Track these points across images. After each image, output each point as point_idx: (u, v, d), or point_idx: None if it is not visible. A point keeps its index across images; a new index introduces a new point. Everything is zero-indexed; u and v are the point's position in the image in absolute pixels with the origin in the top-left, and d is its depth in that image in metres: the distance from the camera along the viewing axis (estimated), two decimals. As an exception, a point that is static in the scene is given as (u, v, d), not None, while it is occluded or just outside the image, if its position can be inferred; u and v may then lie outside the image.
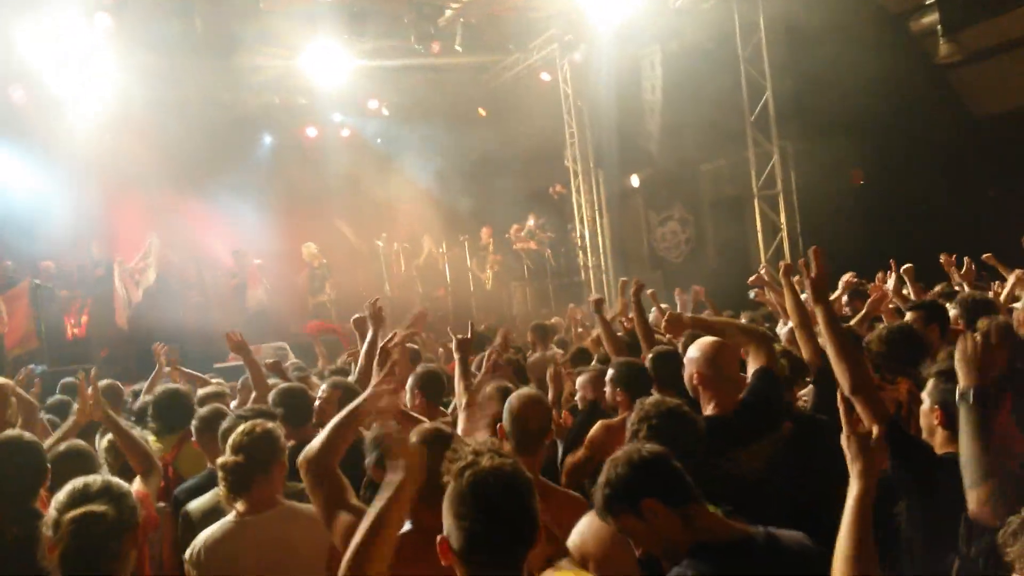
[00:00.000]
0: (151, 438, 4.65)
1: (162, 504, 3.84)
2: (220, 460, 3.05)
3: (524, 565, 1.80)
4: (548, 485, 3.11)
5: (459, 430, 3.03)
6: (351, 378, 4.41)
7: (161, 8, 11.81)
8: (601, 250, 14.82)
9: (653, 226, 14.43)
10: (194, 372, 7.22)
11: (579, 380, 4.55)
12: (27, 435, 3.07)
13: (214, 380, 7.02)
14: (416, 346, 7.04)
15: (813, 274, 3.01)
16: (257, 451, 3.00)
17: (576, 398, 4.54)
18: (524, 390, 3.43)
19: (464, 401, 3.18)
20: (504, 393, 3.25)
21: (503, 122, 16.20)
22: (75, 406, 4.49)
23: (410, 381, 4.51)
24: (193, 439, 4.13)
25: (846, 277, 6.37)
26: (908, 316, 4.49)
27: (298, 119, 16.60)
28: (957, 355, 2.63)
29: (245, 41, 12.71)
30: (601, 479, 2.29)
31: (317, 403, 4.11)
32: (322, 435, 2.48)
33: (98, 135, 13.39)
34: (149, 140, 14.03)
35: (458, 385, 3.24)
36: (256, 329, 12.65)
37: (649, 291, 7.51)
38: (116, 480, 2.34)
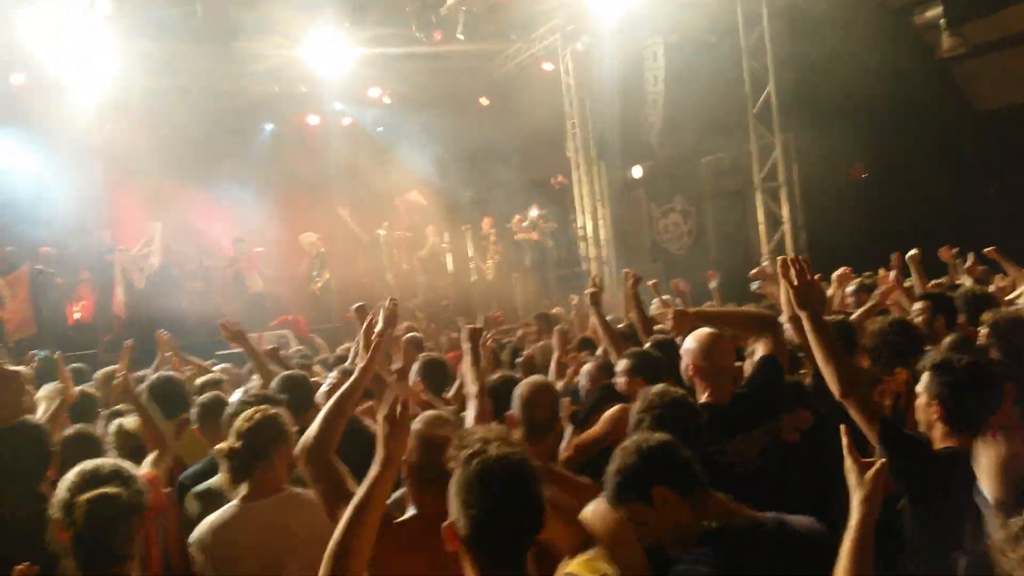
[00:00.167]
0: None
1: (167, 489, 3.85)
2: (220, 446, 3.07)
3: (529, 552, 1.81)
4: (559, 472, 3.13)
5: (470, 419, 3.06)
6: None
7: (162, -5, 11.80)
8: (602, 241, 14.82)
9: (655, 218, 14.43)
10: (195, 359, 7.23)
11: (583, 369, 4.56)
12: (33, 419, 3.08)
13: (221, 366, 7.03)
14: (419, 335, 7.06)
15: (796, 283, 2.90)
16: (256, 437, 3.01)
17: (580, 385, 4.55)
18: (534, 378, 3.45)
19: (475, 390, 3.21)
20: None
21: (505, 112, 16.18)
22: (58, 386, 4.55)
23: (413, 369, 4.53)
24: (194, 426, 4.15)
25: (840, 271, 6.31)
26: (915, 307, 4.50)
27: (299, 107, 16.55)
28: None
29: (246, 28, 12.67)
30: (611, 467, 2.30)
31: (326, 388, 4.12)
32: (315, 425, 2.50)
33: (99, 122, 13.38)
34: (150, 127, 14.02)
35: (469, 374, 3.27)
36: (256, 316, 12.69)
37: (651, 283, 7.53)
38: (124, 463, 2.35)
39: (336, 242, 15.85)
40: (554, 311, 8.92)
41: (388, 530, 2.31)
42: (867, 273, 7.04)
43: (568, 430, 3.74)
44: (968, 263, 6.20)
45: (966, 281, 6.05)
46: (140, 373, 6.65)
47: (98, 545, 2.16)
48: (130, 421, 3.94)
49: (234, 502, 3.04)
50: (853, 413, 2.75)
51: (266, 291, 14.45)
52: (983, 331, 4.08)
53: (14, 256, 11.70)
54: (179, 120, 14.33)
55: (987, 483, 2.35)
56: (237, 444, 3.02)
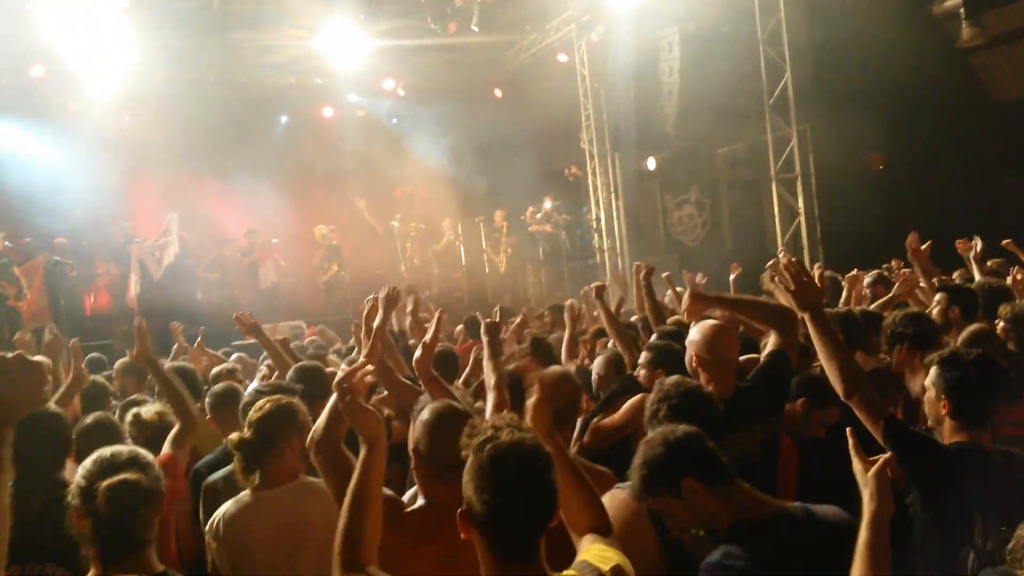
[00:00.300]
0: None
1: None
2: (232, 436, 3.10)
3: (543, 538, 1.82)
4: (576, 460, 3.13)
5: (488, 410, 3.08)
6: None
7: (179, -13, 11.85)
8: (616, 233, 14.78)
9: (669, 209, 14.38)
10: (211, 351, 7.30)
11: (596, 362, 4.57)
12: (52, 406, 3.11)
13: (235, 355, 7.09)
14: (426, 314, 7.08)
15: (793, 287, 2.88)
16: (266, 428, 3.03)
17: (592, 378, 4.56)
18: (553, 368, 3.46)
19: (493, 382, 3.24)
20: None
21: (519, 103, 16.16)
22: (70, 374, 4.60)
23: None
24: (208, 416, 4.18)
25: (851, 274, 6.20)
26: (935, 298, 4.47)
27: (314, 99, 16.61)
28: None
29: (262, 21, 12.71)
30: (637, 460, 2.31)
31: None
32: (323, 416, 2.51)
33: (116, 113, 13.49)
34: (166, 119, 14.12)
35: (487, 367, 3.31)
36: (270, 307, 12.77)
37: (664, 275, 7.52)
38: (141, 450, 2.38)
39: (351, 234, 15.91)
40: (567, 303, 8.91)
41: (398, 521, 2.33)
42: (885, 266, 7.00)
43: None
44: (975, 250, 6.11)
45: (973, 269, 5.98)
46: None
47: (118, 531, 2.17)
48: (147, 410, 3.97)
49: (247, 491, 3.07)
50: (857, 412, 2.74)
51: (280, 283, 14.53)
52: (1000, 324, 4.05)
53: (31, 247, 11.82)
54: (195, 112, 14.41)
55: None
56: (248, 434, 3.05)
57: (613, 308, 6.53)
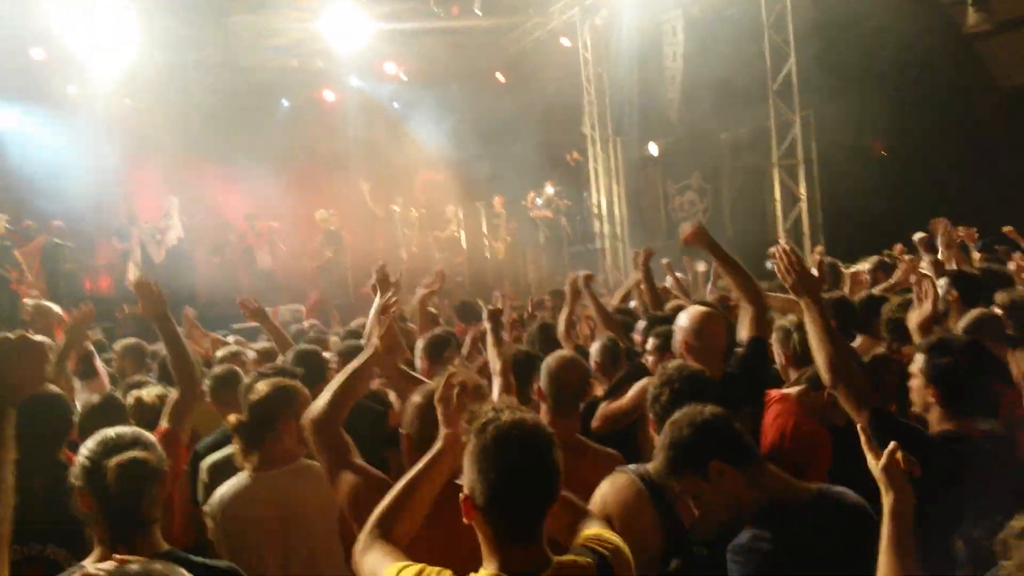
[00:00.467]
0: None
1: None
2: (230, 418, 3.12)
3: (545, 522, 1.82)
4: (584, 443, 3.15)
5: (495, 394, 3.10)
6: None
7: (180, -31, 11.79)
8: (617, 218, 14.76)
9: (671, 195, 14.34)
10: (214, 334, 7.34)
11: (593, 348, 4.57)
12: (52, 387, 3.12)
13: (232, 338, 7.10)
14: (434, 311, 7.08)
15: (790, 278, 2.86)
16: (263, 409, 3.05)
17: (590, 363, 4.56)
18: (561, 352, 3.47)
19: (498, 367, 3.25)
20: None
21: (521, 87, 16.09)
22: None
23: (418, 345, 4.57)
24: (208, 398, 4.18)
25: (852, 271, 6.19)
26: (939, 283, 4.47)
27: (316, 82, 16.55)
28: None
29: (263, 4, 12.65)
30: (664, 440, 2.30)
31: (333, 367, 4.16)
32: (324, 396, 2.52)
33: (117, 96, 13.45)
34: (167, 102, 14.09)
35: (491, 353, 3.32)
36: (266, 292, 12.76)
37: (664, 261, 7.52)
38: (143, 431, 2.39)
39: (353, 218, 15.88)
40: (570, 277, 8.90)
41: None
42: (886, 252, 6.99)
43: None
44: (962, 234, 6.06)
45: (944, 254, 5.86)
46: (156, 347, 6.74)
47: (127, 509, 2.18)
48: (147, 393, 3.97)
49: (245, 472, 3.09)
50: (843, 403, 2.73)
51: (277, 267, 14.53)
52: (998, 311, 4.04)
53: (31, 230, 11.82)
54: (196, 95, 14.37)
55: None
56: (244, 416, 3.07)
57: (619, 295, 6.55)
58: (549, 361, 3.24)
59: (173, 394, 3.55)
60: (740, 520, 2.24)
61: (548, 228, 15.62)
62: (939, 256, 5.56)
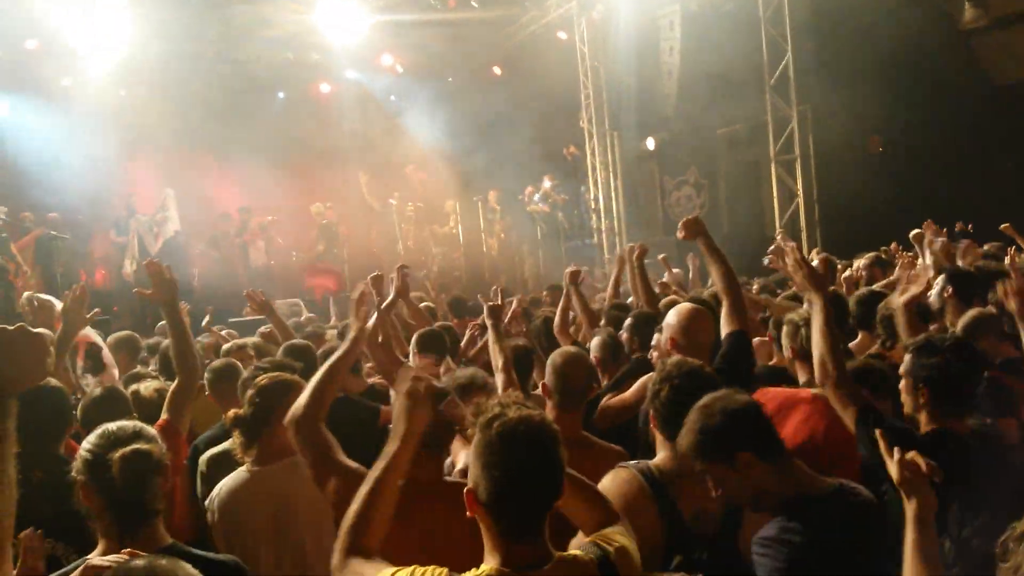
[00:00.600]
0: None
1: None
2: (229, 413, 3.12)
3: (549, 518, 1.82)
4: (589, 438, 3.15)
5: (499, 390, 3.10)
6: None
7: (176, -39, 11.73)
8: (614, 213, 14.75)
9: (668, 190, 14.33)
10: (216, 330, 7.32)
11: (592, 344, 4.57)
12: (52, 380, 3.11)
13: (225, 331, 7.10)
14: (432, 305, 7.09)
15: (800, 275, 2.89)
16: (261, 404, 3.05)
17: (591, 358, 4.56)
18: (567, 347, 3.47)
19: (500, 363, 3.25)
20: None
21: (518, 81, 16.06)
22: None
23: (412, 340, 4.58)
24: (207, 392, 4.18)
25: (846, 275, 6.20)
26: (936, 281, 4.48)
27: (312, 75, 16.49)
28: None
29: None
30: (695, 424, 2.28)
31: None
32: (305, 394, 2.51)
33: (112, 88, 13.39)
34: (163, 94, 14.04)
35: (493, 348, 3.32)
36: (260, 286, 12.74)
37: (660, 256, 7.53)
38: (144, 424, 2.39)
39: (349, 211, 15.85)
40: (568, 269, 8.91)
41: None
42: (883, 248, 7.00)
43: None
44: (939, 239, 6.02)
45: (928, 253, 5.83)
46: (153, 340, 6.74)
47: (132, 501, 2.19)
48: (146, 387, 3.96)
49: (243, 467, 3.09)
50: (832, 402, 2.75)
51: (271, 261, 14.49)
52: (991, 309, 4.05)
53: (28, 222, 11.78)
54: (192, 87, 14.32)
55: None
56: (242, 411, 3.07)
57: (610, 292, 6.56)
58: (555, 357, 3.24)
59: (173, 385, 3.54)
60: (760, 508, 2.25)
61: (545, 223, 15.60)
62: (928, 262, 5.57)
